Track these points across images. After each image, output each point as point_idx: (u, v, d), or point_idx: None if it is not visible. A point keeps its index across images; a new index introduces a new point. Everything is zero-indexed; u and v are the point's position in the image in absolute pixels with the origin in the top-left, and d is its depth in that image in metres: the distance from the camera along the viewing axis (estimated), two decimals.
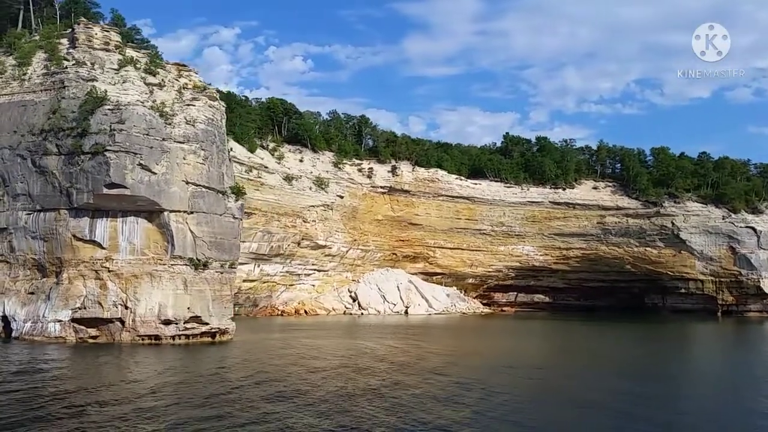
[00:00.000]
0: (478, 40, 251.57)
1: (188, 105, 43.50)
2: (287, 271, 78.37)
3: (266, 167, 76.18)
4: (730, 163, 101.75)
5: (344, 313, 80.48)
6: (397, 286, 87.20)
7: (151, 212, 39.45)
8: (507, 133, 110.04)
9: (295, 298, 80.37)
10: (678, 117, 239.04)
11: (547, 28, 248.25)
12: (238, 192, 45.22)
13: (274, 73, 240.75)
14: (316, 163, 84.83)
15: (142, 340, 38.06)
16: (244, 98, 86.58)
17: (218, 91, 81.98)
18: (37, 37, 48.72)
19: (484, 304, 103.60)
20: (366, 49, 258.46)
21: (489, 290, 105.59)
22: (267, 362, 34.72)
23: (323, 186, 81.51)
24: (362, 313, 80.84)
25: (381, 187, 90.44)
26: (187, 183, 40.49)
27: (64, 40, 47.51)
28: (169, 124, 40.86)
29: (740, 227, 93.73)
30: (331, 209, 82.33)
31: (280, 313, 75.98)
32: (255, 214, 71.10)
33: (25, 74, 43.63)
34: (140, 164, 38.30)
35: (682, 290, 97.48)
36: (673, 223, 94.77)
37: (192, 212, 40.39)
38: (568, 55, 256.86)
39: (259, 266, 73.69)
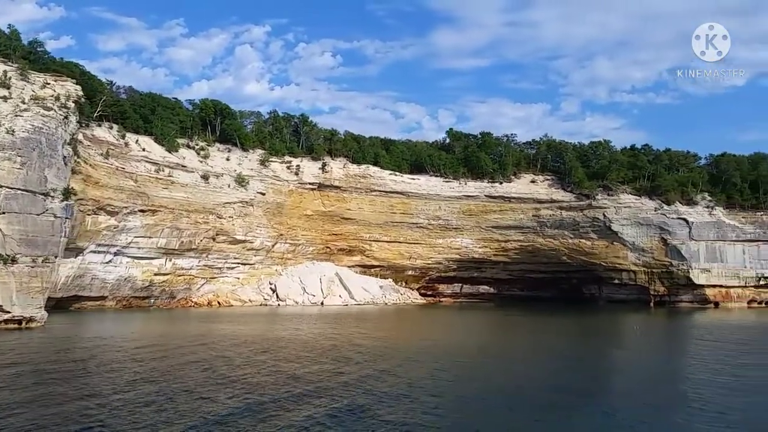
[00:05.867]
0: (507, 31, 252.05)
1: (17, 116, 48.22)
2: (205, 265, 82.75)
3: (184, 166, 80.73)
4: (669, 156, 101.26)
5: (261, 304, 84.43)
6: (320, 279, 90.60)
7: None
8: (450, 128, 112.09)
9: (217, 291, 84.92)
10: (713, 106, 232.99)
11: (577, 17, 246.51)
12: (66, 193, 49.74)
13: (304, 69, 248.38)
14: (243, 161, 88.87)
15: None
16: (174, 100, 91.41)
17: (136, 92, 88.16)
18: None
19: (429, 296, 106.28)
20: (394, 44, 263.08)
21: (432, 282, 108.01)
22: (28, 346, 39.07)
23: (243, 183, 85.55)
24: (279, 305, 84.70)
25: (310, 184, 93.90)
26: (0, 187, 45.28)
27: None
28: None
29: (672, 218, 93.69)
30: (251, 205, 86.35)
31: (193, 305, 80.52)
32: (161, 212, 75.77)
33: None
34: None
35: (616, 281, 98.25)
36: (604, 215, 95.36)
37: (3, 213, 45.20)
38: (599, 45, 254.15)
39: (171, 260, 78.27)
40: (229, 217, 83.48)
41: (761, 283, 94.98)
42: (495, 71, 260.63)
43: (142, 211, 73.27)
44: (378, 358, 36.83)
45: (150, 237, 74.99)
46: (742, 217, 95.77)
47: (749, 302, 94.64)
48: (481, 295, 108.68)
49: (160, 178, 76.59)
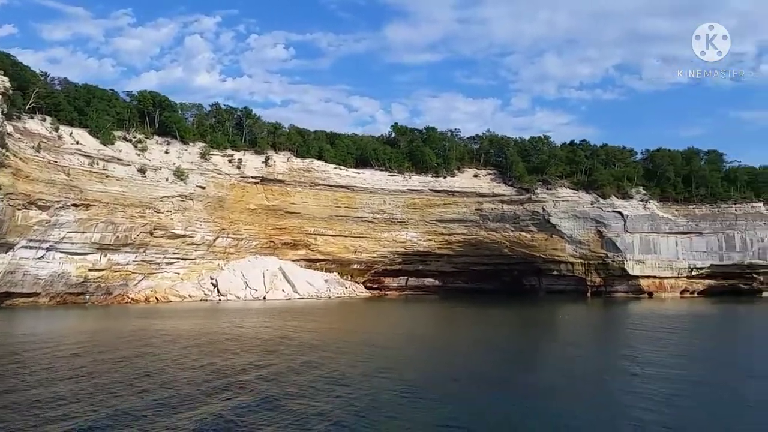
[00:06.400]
0: (459, 27, 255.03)
1: None
2: (143, 260, 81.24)
3: (120, 159, 79.17)
4: (606, 151, 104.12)
5: (202, 300, 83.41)
6: (263, 273, 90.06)
7: None
8: (395, 123, 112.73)
9: (156, 286, 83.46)
10: (658, 102, 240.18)
11: (527, 14, 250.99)
12: None
13: (255, 61, 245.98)
14: (183, 155, 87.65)
15: None
16: (111, 92, 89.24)
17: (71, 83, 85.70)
18: None
19: (374, 289, 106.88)
20: (347, 37, 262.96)
21: (378, 275, 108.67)
22: None
23: (182, 177, 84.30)
24: (220, 300, 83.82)
25: (252, 178, 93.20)
26: None
27: None
28: None
29: (608, 212, 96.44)
30: (191, 199, 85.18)
31: (130, 301, 79.00)
32: (95, 206, 74.06)
33: None
34: None
35: (555, 272, 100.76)
36: (543, 209, 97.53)
37: None
38: (548, 42, 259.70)
39: (106, 255, 76.55)
40: (168, 211, 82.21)
41: (693, 273, 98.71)
42: (448, 66, 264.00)
43: (75, 205, 71.55)
44: (304, 351, 36.84)
45: (84, 232, 73.23)
46: (676, 210, 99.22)
47: (682, 292, 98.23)
48: (426, 287, 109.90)
49: (95, 172, 74.93)
